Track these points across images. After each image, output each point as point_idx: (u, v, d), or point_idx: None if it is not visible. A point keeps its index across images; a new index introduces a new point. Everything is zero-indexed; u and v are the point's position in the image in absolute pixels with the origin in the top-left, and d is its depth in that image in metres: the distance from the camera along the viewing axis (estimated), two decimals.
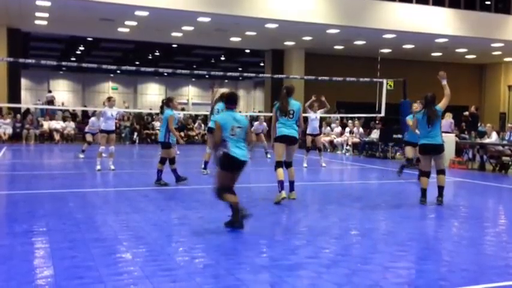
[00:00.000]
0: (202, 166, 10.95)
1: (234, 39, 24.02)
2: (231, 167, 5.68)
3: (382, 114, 15.06)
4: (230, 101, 5.92)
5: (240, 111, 14.23)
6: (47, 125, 21.31)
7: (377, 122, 19.02)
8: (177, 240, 5.31)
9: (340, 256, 4.74)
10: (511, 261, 4.83)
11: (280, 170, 7.53)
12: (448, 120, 16.24)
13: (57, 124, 21.39)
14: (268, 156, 14.88)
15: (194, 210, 6.90)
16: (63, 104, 32.69)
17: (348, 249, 5.01)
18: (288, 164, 7.74)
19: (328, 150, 18.67)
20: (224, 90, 9.83)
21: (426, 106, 7.68)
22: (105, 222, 6.10)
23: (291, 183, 7.78)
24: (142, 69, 13.65)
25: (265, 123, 15.98)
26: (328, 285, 3.90)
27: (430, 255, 4.99)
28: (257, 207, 7.22)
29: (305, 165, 12.90)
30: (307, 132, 13.43)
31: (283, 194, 7.38)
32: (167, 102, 9.48)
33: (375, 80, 16.25)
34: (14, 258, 4.51)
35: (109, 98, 11.73)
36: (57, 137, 20.81)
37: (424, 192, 7.75)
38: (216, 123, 5.77)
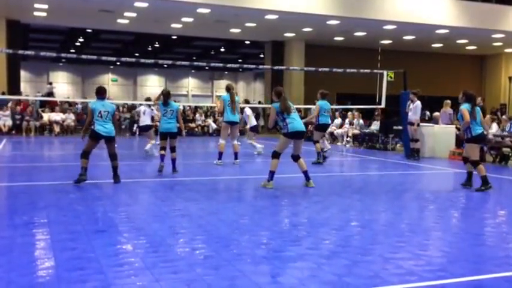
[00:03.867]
0: (234, 157, 11.34)
1: (233, 30, 23.93)
2: (95, 138, 8.06)
3: (383, 105, 15.02)
4: (99, 93, 8.21)
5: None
6: (47, 116, 21.28)
7: (377, 113, 18.96)
8: (177, 232, 5.31)
9: (341, 247, 4.75)
10: (511, 252, 4.85)
11: (276, 161, 7.94)
12: (446, 111, 15.93)
13: (57, 116, 21.35)
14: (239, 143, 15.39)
15: (195, 201, 6.90)
16: (68, 98, 32.67)
17: (348, 241, 5.01)
18: (296, 157, 8.15)
19: (328, 141, 18.63)
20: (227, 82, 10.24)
21: (471, 101, 8.36)
22: (105, 213, 6.11)
23: (305, 173, 8.20)
24: (142, 60, 13.60)
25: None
26: (328, 276, 3.91)
27: (430, 246, 5.00)
28: (257, 199, 7.25)
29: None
30: None
31: (271, 184, 7.90)
32: (169, 95, 9.74)
33: (375, 71, 16.20)
34: (14, 249, 4.51)
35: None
36: (57, 129, 20.79)
37: (486, 179, 8.29)
38: (88, 108, 8.24)
